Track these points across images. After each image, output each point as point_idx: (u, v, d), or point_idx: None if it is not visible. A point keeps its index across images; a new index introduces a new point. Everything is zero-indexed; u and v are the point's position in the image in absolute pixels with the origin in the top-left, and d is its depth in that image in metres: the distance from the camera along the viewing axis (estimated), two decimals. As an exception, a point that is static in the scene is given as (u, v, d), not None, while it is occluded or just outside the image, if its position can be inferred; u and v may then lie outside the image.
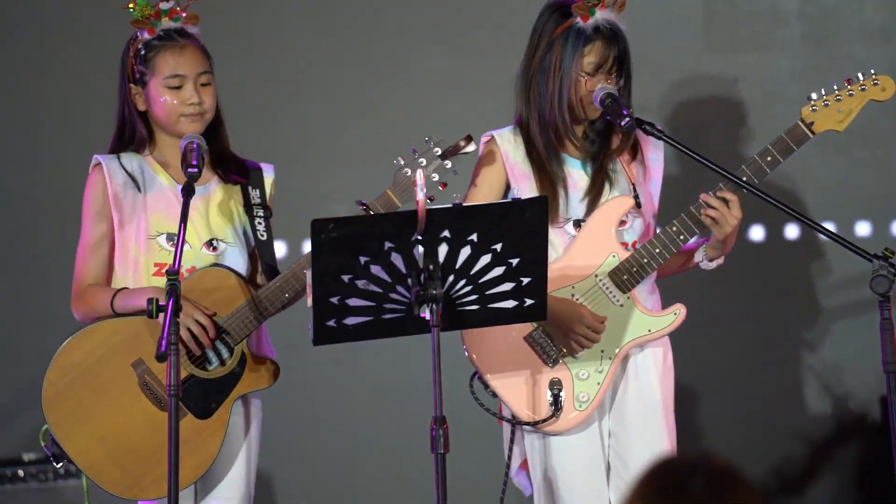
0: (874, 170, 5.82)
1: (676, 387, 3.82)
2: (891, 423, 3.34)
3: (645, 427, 3.72)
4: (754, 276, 5.61)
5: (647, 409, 3.73)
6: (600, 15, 3.72)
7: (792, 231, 5.69)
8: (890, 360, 3.34)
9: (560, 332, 3.67)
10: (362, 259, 3.29)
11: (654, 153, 3.80)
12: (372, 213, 3.69)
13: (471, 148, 3.68)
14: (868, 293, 3.40)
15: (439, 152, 3.71)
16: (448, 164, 3.71)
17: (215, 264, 3.76)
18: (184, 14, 3.79)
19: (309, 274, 3.29)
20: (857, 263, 3.57)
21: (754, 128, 5.77)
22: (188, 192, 3.56)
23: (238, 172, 3.84)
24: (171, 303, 3.36)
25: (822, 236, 3.50)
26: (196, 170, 3.62)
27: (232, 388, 3.72)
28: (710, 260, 3.72)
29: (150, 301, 3.41)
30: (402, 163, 3.73)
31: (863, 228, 5.89)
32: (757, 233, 5.73)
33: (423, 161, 3.71)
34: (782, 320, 5.86)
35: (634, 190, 3.77)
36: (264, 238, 3.82)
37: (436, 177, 3.70)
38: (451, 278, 3.33)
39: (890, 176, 5.83)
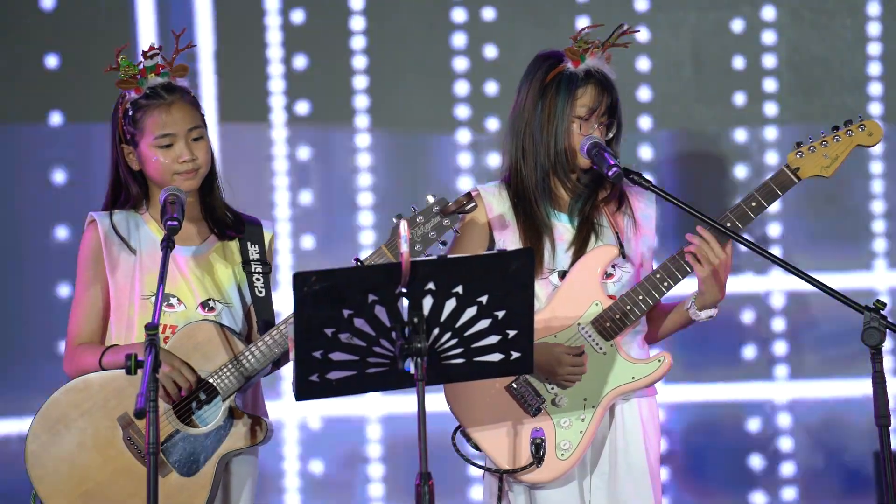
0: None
1: (666, 436, 3.77)
2: (884, 477, 3.29)
3: (633, 489, 3.67)
4: (741, 327, 5.57)
5: (633, 470, 3.69)
6: (590, 61, 3.72)
7: (778, 281, 5.66)
8: (882, 413, 3.29)
9: (545, 379, 3.63)
10: (346, 312, 3.25)
11: (645, 208, 3.78)
12: None
13: (471, 207, 3.65)
14: (859, 345, 3.36)
15: (438, 209, 3.67)
16: (447, 221, 3.67)
17: (205, 319, 3.71)
18: (170, 68, 3.76)
19: (291, 328, 3.25)
20: (844, 315, 3.53)
21: (745, 175, 5.74)
22: (168, 246, 3.52)
23: (235, 228, 3.80)
24: (149, 358, 3.31)
25: (810, 287, 3.45)
26: (176, 223, 3.58)
27: (218, 445, 3.66)
28: (700, 309, 3.67)
29: (128, 357, 3.37)
30: (401, 219, 3.68)
31: (847, 280, 5.86)
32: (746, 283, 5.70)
33: (422, 219, 3.67)
34: (770, 370, 5.82)
35: (620, 241, 3.73)
36: (262, 294, 3.78)
37: (433, 234, 3.66)
38: (436, 331, 3.29)
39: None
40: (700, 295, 3.66)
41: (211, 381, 3.66)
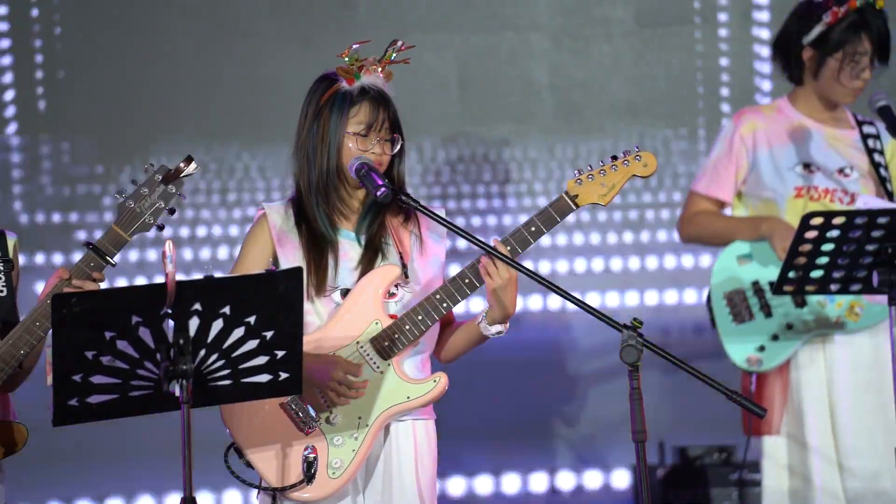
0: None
1: (443, 452, 3.77)
2: (639, 491, 3.36)
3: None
4: (515, 346, 5.64)
5: (405, 492, 3.67)
6: (366, 79, 3.70)
7: (538, 301, 5.76)
8: (639, 428, 3.36)
9: (317, 387, 3.60)
10: (108, 334, 3.15)
11: (432, 229, 3.77)
12: (101, 250, 3.54)
13: (191, 168, 3.58)
14: (617, 362, 3.43)
15: (160, 178, 3.58)
16: (172, 188, 3.59)
17: None
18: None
19: (49, 351, 3.14)
20: (605, 333, 3.59)
21: (514, 196, 5.82)
22: None
23: None
24: None
25: (571, 306, 3.50)
26: None
27: None
28: (490, 324, 3.69)
29: None
30: (125, 195, 3.58)
31: (611, 299, 6.00)
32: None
33: (146, 190, 3.57)
34: (539, 391, 5.91)
35: (403, 262, 3.72)
36: (3, 294, 3.64)
37: (161, 204, 3.58)
38: (202, 352, 3.22)
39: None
40: (490, 310, 3.67)
41: None
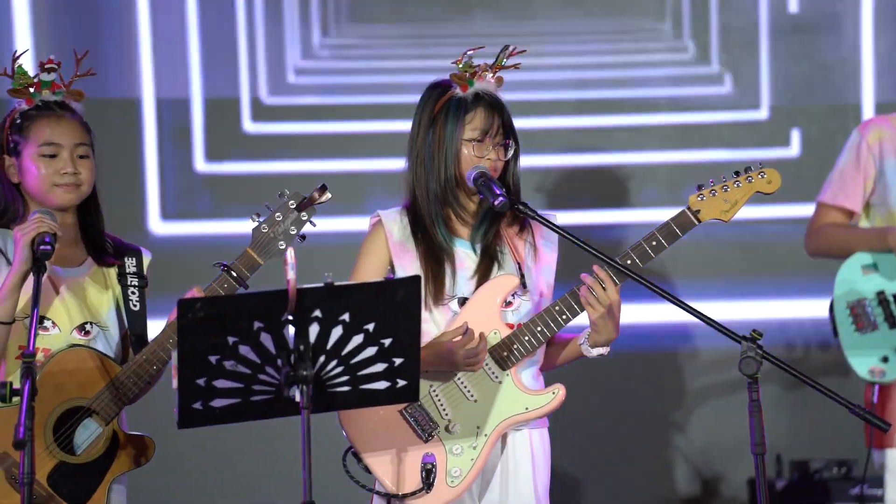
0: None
1: (555, 468, 3.77)
2: (758, 504, 3.34)
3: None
4: (625, 359, 5.62)
5: (522, 500, 3.67)
6: (479, 85, 3.71)
7: (660, 312, 5.71)
8: (759, 441, 3.33)
9: (450, 372, 3.62)
10: (230, 339, 3.20)
11: (546, 238, 3.77)
12: (234, 273, 3.60)
13: (325, 198, 3.63)
14: (736, 374, 3.40)
15: (294, 205, 3.63)
16: (304, 215, 3.63)
17: (74, 345, 3.63)
18: (66, 89, 3.68)
19: (175, 355, 3.19)
20: (725, 345, 3.57)
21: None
22: (38, 269, 3.43)
23: (114, 255, 3.73)
24: (27, 386, 3.22)
25: (690, 317, 3.48)
26: (49, 247, 3.48)
27: (107, 469, 3.59)
28: (592, 346, 3.68)
29: (2, 385, 3.27)
30: (259, 219, 3.64)
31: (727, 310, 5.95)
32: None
33: (280, 216, 3.62)
34: (655, 401, 5.88)
35: (521, 271, 3.73)
36: (136, 308, 3.71)
37: (293, 230, 3.63)
38: (321, 359, 3.25)
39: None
40: (593, 333, 3.67)
41: (91, 406, 3.58)
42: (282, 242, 3.62)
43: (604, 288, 3.57)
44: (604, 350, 3.67)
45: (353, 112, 5.95)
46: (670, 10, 6.03)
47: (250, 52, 5.95)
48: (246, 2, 5.94)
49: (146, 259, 3.79)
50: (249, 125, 5.94)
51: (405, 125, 3.76)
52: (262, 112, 5.96)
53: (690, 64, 6.03)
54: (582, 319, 3.67)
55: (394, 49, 5.95)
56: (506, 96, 3.73)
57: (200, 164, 5.92)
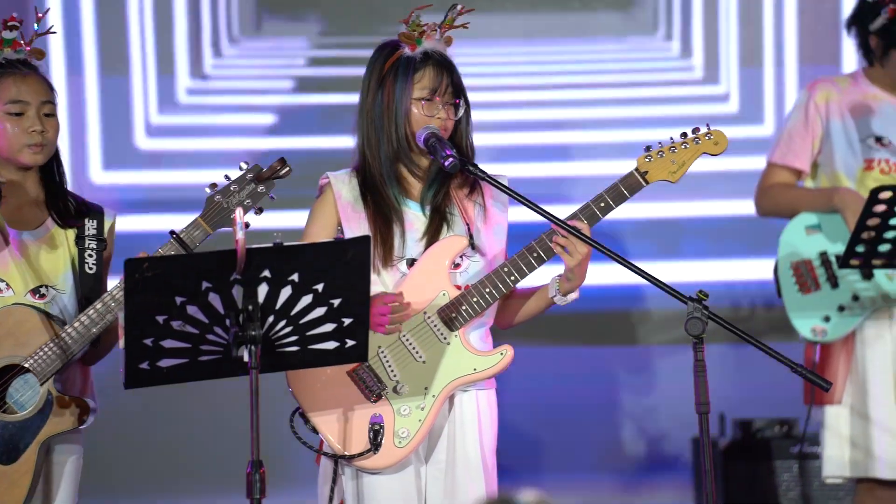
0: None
1: (510, 427, 3.79)
2: (702, 463, 3.38)
3: (467, 481, 3.67)
4: (575, 320, 5.64)
5: (469, 461, 3.69)
6: (427, 44, 3.71)
7: (611, 274, 5.75)
8: (703, 400, 3.37)
9: (399, 333, 3.62)
10: (178, 299, 3.19)
11: (496, 198, 3.77)
12: (183, 240, 3.58)
13: (285, 171, 3.61)
14: (682, 334, 3.43)
15: (252, 177, 3.62)
16: (262, 188, 3.62)
17: (16, 303, 3.61)
18: (28, 48, 3.66)
19: (121, 315, 3.18)
20: (674, 306, 3.59)
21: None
22: None
23: (76, 215, 3.71)
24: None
25: (641, 279, 3.50)
26: None
27: (38, 430, 3.57)
28: (564, 294, 3.69)
29: None
30: (215, 189, 3.62)
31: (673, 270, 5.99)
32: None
33: (236, 187, 3.61)
34: (604, 361, 5.92)
35: (470, 232, 3.73)
36: (92, 271, 3.68)
37: (249, 202, 3.61)
38: (270, 319, 3.25)
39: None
40: (566, 281, 3.67)
41: (26, 364, 3.56)
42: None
43: (580, 237, 3.57)
44: (575, 295, 3.69)
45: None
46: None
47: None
48: None
49: (108, 221, 3.76)
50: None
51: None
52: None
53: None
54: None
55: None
56: (451, 52, 3.73)
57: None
